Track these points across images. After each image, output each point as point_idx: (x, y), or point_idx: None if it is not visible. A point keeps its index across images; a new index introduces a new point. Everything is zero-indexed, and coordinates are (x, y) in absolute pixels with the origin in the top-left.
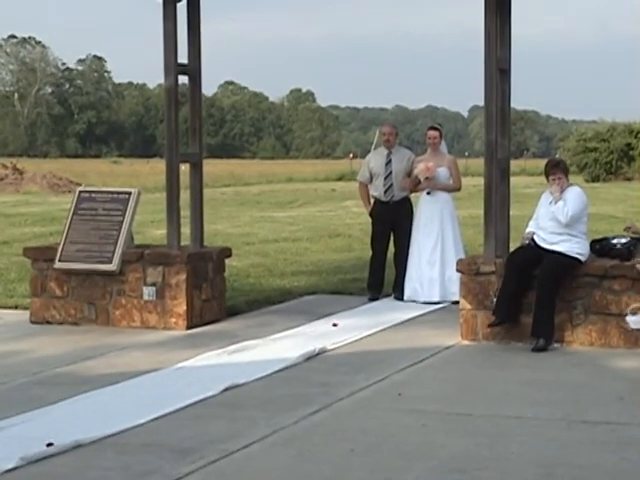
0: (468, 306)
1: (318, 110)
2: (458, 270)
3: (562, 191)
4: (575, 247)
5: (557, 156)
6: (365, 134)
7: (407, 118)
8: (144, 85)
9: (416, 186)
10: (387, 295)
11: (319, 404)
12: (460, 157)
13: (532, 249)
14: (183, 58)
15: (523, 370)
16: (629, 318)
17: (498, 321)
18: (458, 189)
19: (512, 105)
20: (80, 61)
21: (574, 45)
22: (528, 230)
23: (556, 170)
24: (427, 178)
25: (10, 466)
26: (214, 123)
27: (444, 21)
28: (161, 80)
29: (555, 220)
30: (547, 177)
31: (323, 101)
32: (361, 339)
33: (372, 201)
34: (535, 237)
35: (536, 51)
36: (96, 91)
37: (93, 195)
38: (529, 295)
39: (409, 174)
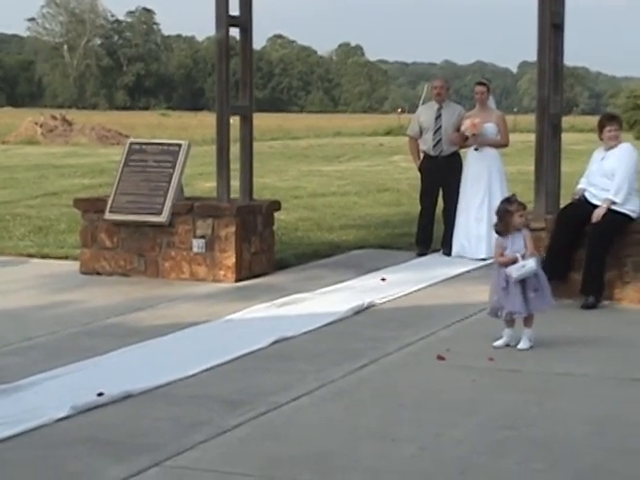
0: None
1: (367, 64)
2: None
3: (610, 147)
4: (627, 204)
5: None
6: (413, 89)
7: (456, 73)
8: (193, 38)
9: (464, 141)
10: (435, 250)
11: (367, 358)
12: (509, 113)
13: (583, 205)
14: (234, 10)
15: (572, 327)
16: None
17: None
18: (505, 145)
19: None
20: (129, 13)
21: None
22: (579, 187)
23: (613, 122)
24: (474, 134)
25: (61, 415)
26: (262, 77)
27: None
28: (210, 33)
29: (607, 177)
30: (601, 131)
31: (372, 55)
32: (409, 294)
33: (421, 155)
34: (586, 193)
35: (585, 6)
36: (145, 43)
37: (144, 147)
38: (579, 252)
39: (458, 129)
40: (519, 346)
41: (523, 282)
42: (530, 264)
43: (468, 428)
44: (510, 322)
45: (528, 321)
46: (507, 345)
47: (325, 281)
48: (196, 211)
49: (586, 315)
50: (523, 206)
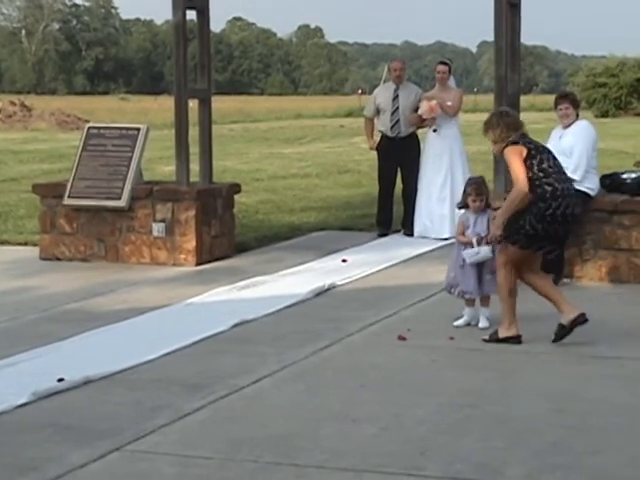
0: None
1: (326, 46)
2: None
3: (568, 124)
4: (585, 182)
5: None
6: (374, 70)
7: (416, 54)
8: (151, 21)
9: (422, 122)
10: (397, 231)
11: (329, 339)
12: (469, 93)
13: None
14: None
15: (532, 305)
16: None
17: None
18: (451, 114)
19: (521, 40)
20: None
21: None
22: None
23: (563, 101)
24: (433, 118)
25: (22, 401)
26: (222, 59)
27: None
28: (168, 16)
29: (565, 155)
30: (556, 109)
31: (332, 37)
32: (370, 275)
33: (379, 136)
34: None
35: None
36: (103, 27)
37: (102, 131)
38: None
39: (416, 110)
40: (480, 325)
41: (481, 263)
42: (484, 251)
43: (429, 407)
44: (470, 302)
45: (484, 301)
46: (468, 324)
47: (286, 263)
48: (156, 195)
49: None
50: (479, 192)
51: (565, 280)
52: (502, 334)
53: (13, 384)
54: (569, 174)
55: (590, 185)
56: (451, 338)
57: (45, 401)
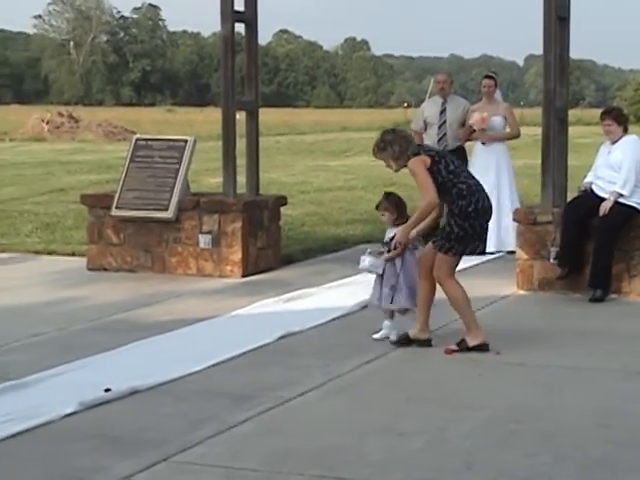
0: (525, 256)
1: (372, 59)
2: (515, 220)
3: (615, 140)
4: (634, 196)
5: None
6: (419, 83)
7: (462, 67)
8: (198, 34)
9: (470, 135)
10: None
11: (374, 353)
12: (515, 106)
13: (590, 198)
14: (239, 6)
15: (579, 321)
16: (365, 257)
17: (565, 273)
18: (517, 136)
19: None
20: (135, 9)
21: None
22: (586, 180)
23: (606, 117)
24: (483, 129)
25: (69, 410)
26: (268, 72)
27: None
28: (215, 29)
29: (613, 169)
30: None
31: (377, 50)
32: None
33: None
34: (593, 186)
35: None
36: (151, 39)
37: (150, 143)
38: (587, 245)
39: (464, 123)
40: (390, 339)
41: (382, 277)
42: (362, 263)
43: (475, 422)
44: (388, 313)
45: (387, 312)
46: (387, 337)
47: (332, 276)
48: (202, 206)
49: (593, 308)
50: (385, 207)
51: (612, 296)
52: (471, 343)
53: (60, 394)
54: (618, 189)
55: (639, 200)
56: (498, 353)
57: (92, 411)
